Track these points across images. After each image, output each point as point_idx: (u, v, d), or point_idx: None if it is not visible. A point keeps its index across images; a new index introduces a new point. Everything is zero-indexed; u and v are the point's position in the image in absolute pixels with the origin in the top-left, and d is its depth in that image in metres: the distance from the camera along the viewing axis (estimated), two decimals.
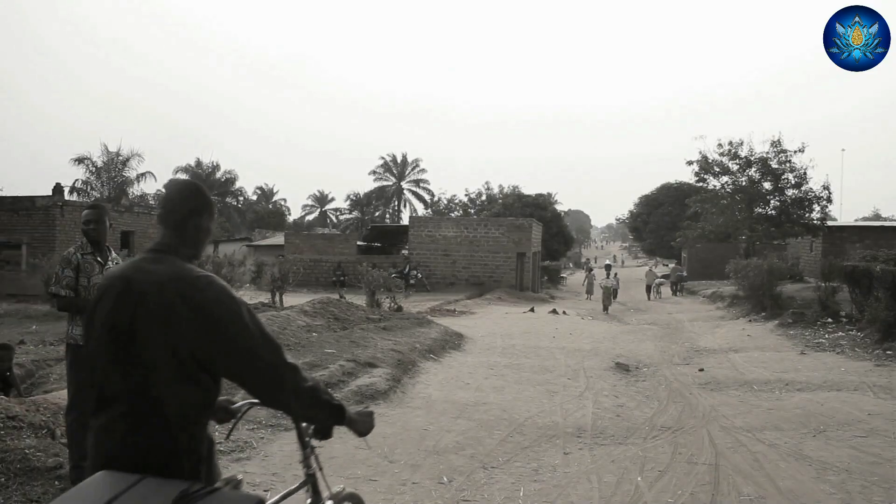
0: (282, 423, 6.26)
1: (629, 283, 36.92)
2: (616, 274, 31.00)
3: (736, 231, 29.81)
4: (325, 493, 2.47)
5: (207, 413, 2.05)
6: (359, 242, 35.51)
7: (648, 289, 31.35)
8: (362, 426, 2.34)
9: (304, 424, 2.41)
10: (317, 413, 2.17)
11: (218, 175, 63.75)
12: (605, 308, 22.60)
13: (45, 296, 18.42)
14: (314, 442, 2.41)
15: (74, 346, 4.45)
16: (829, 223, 28.58)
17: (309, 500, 2.40)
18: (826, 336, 12.94)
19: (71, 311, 4.46)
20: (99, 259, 4.55)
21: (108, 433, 1.97)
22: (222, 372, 2.03)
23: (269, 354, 2.00)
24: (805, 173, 28.01)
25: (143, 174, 49.27)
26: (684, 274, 37.94)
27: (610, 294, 23.88)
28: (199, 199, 2.16)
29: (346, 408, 2.22)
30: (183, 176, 62.39)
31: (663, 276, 36.37)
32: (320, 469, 2.45)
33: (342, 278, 28.74)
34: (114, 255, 4.74)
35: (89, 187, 46.51)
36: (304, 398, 2.08)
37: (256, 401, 2.20)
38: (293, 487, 2.29)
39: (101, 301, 2.06)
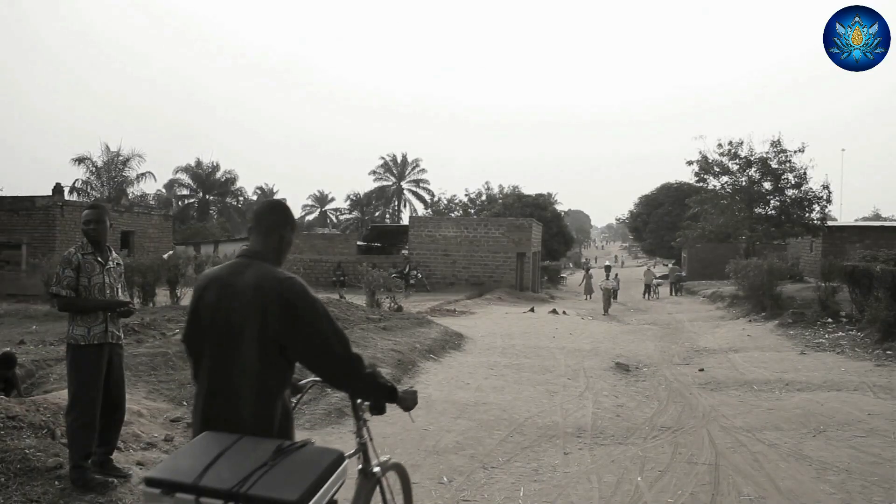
0: None
1: (629, 283, 36.91)
2: (616, 274, 30.98)
3: (736, 231, 29.80)
4: (373, 461, 2.89)
5: (286, 387, 2.52)
6: (359, 242, 35.50)
7: (646, 288, 31.90)
8: (409, 402, 2.79)
9: (358, 401, 2.83)
10: (374, 393, 2.61)
11: (218, 175, 63.75)
12: (606, 309, 22.22)
13: (45, 296, 18.41)
14: (366, 416, 2.85)
15: (75, 347, 4.45)
16: (829, 223, 28.57)
17: (360, 466, 2.80)
18: (826, 336, 12.94)
19: (72, 312, 4.45)
20: (99, 259, 4.54)
21: (211, 402, 2.46)
22: (298, 357, 2.48)
23: (339, 346, 2.48)
24: (805, 173, 28.01)
25: (143, 174, 49.31)
26: (683, 274, 38.08)
27: (610, 295, 23.50)
28: (284, 215, 2.66)
29: (397, 388, 2.67)
30: (183, 175, 62.50)
31: (662, 277, 36.48)
32: (370, 440, 2.88)
33: (342, 278, 28.73)
34: (114, 255, 4.73)
35: (89, 187, 46.49)
36: (364, 382, 2.56)
37: (318, 379, 2.74)
38: (349, 453, 2.57)
39: (202, 297, 2.54)
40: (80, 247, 4.54)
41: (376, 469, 2.86)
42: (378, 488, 2.86)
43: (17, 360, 7.07)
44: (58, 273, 4.46)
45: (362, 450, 2.83)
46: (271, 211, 2.67)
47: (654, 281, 32.85)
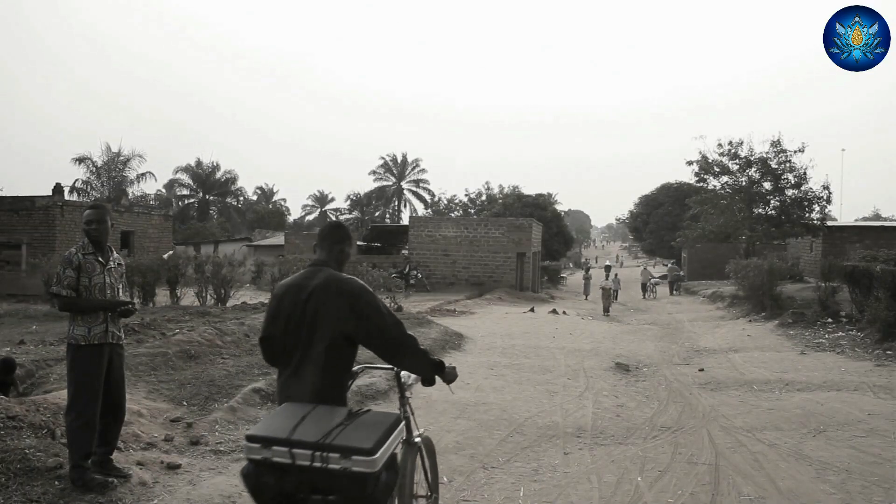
0: None
1: (629, 283, 36.89)
2: (616, 274, 30.98)
3: (736, 231, 29.80)
4: (414, 433, 3.45)
5: (350, 368, 3.20)
6: (359, 242, 35.49)
7: (643, 287, 32.34)
8: (451, 377, 3.39)
9: (402, 380, 3.52)
10: (426, 367, 3.21)
11: (218, 175, 63.78)
12: (606, 310, 22.15)
13: (45, 296, 18.41)
14: (407, 395, 3.51)
15: (75, 346, 4.45)
16: (829, 223, 28.56)
17: (403, 437, 3.26)
18: (826, 336, 12.93)
19: (72, 312, 4.45)
20: (100, 259, 4.55)
21: (292, 380, 3.09)
22: (362, 341, 3.09)
23: (395, 331, 3.07)
24: (805, 173, 28.00)
25: (143, 174, 49.35)
26: (681, 274, 38.21)
27: (610, 296, 23.37)
28: (343, 233, 3.33)
29: (444, 364, 3.28)
30: (183, 175, 62.52)
31: (661, 277, 36.61)
32: (412, 413, 3.46)
33: None
34: (115, 255, 4.74)
35: (89, 187, 46.53)
36: (418, 358, 3.16)
37: (369, 366, 3.87)
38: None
39: (282, 300, 3.15)
40: (80, 247, 4.55)
41: (417, 439, 3.48)
42: (419, 455, 3.51)
43: (17, 365, 7.06)
44: (58, 273, 4.46)
45: (406, 422, 3.32)
46: (333, 230, 3.35)
47: (651, 280, 33.22)
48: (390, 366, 3.39)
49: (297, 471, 2.61)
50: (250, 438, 2.69)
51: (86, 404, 4.39)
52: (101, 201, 39.48)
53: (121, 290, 4.74)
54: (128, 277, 16.64)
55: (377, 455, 2.60)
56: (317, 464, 2.59)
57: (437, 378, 3.30)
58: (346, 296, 3.07)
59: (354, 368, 3.35)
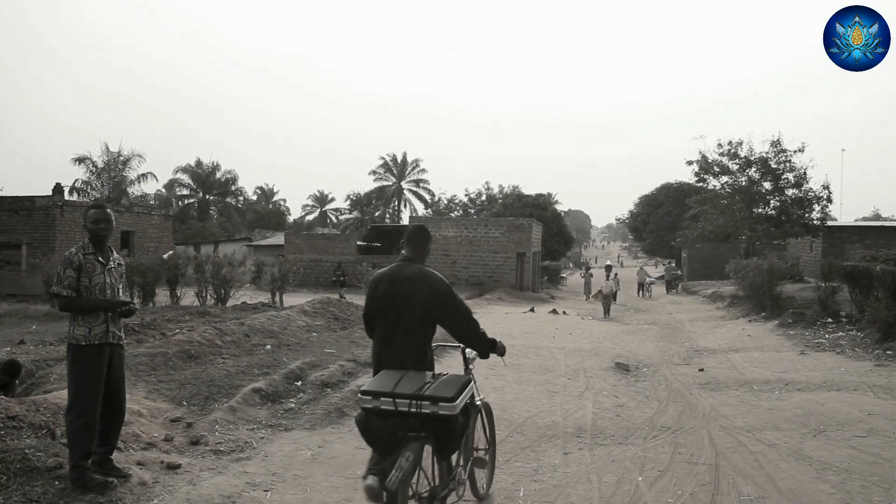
0: (281, 424, 6.26)
1: (629, 283, 36.89)
2: (616, 275, 30.96)
3: (736, 231, 29.79)
4: (476, 398, 4.21)
5: (430, 340, 4.10)
6: (359, 242, 35.49)
7: (640, 286, 32.96)
8: (502, 351, 4.25)
9: (466, 355, 4.42)
10: (484, 345, 4.14)
11: (218, 175, 63.73)
12: (606, 311, 21.44)
13: (45, 296, 18.41)
14: (470, 367, 4.38)
15: (76, 346, 4.45)
16: (829, 223, 28.54)
17: (473, 393, 4.07)
18: (826, 336, 12.93)
19: (72, 312, 4.45)
20: (100, 259, 4.56)
21: (383, 352, 4.01)
22: (439, 322, 4.04)
23: (462, 315, 4.03)
24: (805, 173, 27.98)
25: (143, 174, 49.32)
26: (678, 273, 38.38)
27: (611, 297, 22.65)
28: (425, 235, 4.30)
29: (496, 342, 4.18)
30: (183, 175, 62.49)
31: (658, 278, 36.80)
32: (474, 381, 4.12)
33: (342, 278, 28.72)
34: (115, 255, 4.75)
35: (89, 187, 46.50)
36: (479, 337, 4.10)
37: (442, 344, 4.77)
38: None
39: (378, 286, 4.10)
40: (81, 247, 4.55)
41: (478, 402, 4.31)
42: (479, 415, 4.38)
43: (22, 367, 7.07)
44: (59, 273, 4.47)
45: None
46: (417, 233, 4.29)
47: (647, 279, 33.58)
48: (458, 343, 4.33)
49: (398, 415, 3.57)
50: (363, 392, 3.66)
51: (86, 404, 4.39)
52: (102, 201, 39.49)
53: (121, 291, 4.76)
54: (128, 277, 16.67)
55: (457, 402, 3.57)
56: (413, 409, 3.53)
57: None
58: (426, 287, 4.00)
59: (433, 345, 4.18)
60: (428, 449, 3.69)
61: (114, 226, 4.67)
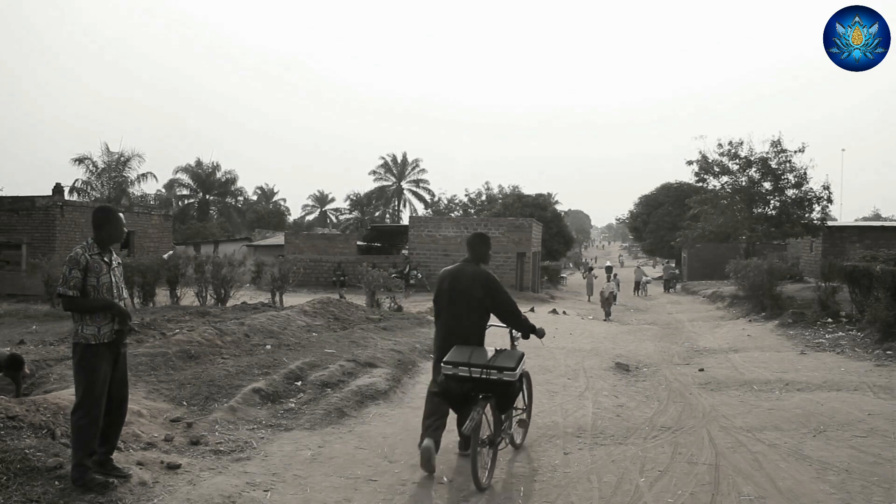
0: (281, 424, 6.26)
1: (629, 283, 36.89)
2: (616, 275, 30.96)
3: (736, 231, 29.80)
4: (519, 369, 4.98)
5: (485, 324, 5.29)
6: (359, 242, 35.49)
7: (636, 285, 33.62)
8: (542, 334, 5.51)
9: (513, 334, 5.64)
10: (524, 328, 5.37)
11: (218, 175, 63.73)
12: (607, 313, 20.94)
13: (45, 296, 18.42)
14: (516, 343, 5.68)
15: (85, 346, 4.44)
16: (829, 223, 28.55)
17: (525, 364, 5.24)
18: (826, 336, 12.92)
19: (77, 312, 4.45)
20: (105, 259, 4.59)
21: (449, 334, 5.17)
22: (492, 310, 5.24)
23: (508, 304, 5.26)
24: (805, 173, 28.01)
25: (143, 174, 49.30)
26: (677, 272, 38.55)
27: (611, 298, 22.00)
28: (482, 240, 5.47)
29: (536, 327, 5.43)
30: (183, 175, 62.49)
31: (657, 278, 36.99)
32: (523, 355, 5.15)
33: (342, 278, 28.73)
34: (115, 255, 4.78)
35: (89, 187, 46.49)
36: (522, 322, 5.32)
37: (494, 324, 5.50)
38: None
39: (444, 280, 5.32)
40: (86, 247, 4.57)
41: (520, 373, 5.06)
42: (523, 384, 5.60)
43: (24, 362, 7.09)
44: (65, 273, 4.48)
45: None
46: (477, 239, 5.50)
47: (644, 279, 33.85)
48: (505, 325, 5.53)
49: (472, 380, 4.75)
50: (445, 363, 4.84)
51: (93, 403, 4.40)
52: (102, 201, 39.49)
53: (124, 290, 4.82)
54: (127, 277, 16.68)
55: (517, 371, 4.81)
56: (484, 376, 4.74)
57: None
58: (484, 282, 5.25)
59: (487, 326, 5.39)
60: (490, 406, 4.86)
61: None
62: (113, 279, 4.61)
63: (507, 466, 5.32)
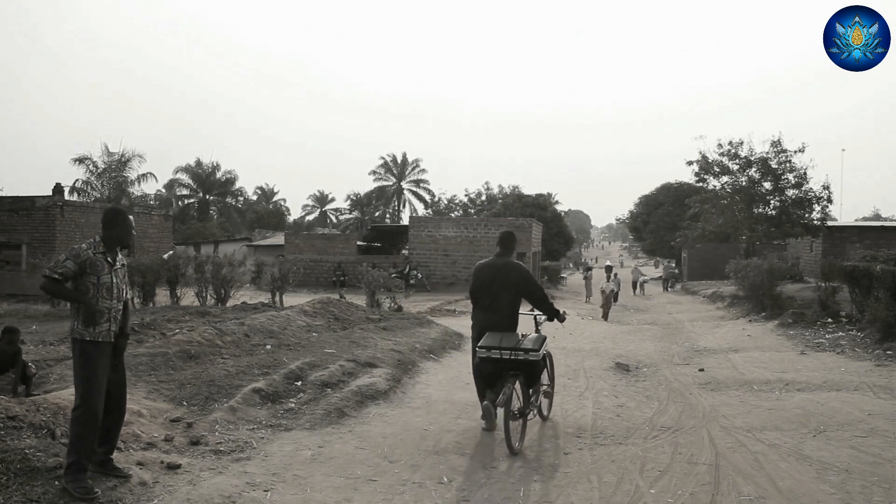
0: (281, 424, 6.26)
1: (627, 283, 36.86)
2: (616, 275, 30.89)
3: (736, 231, 29.79)
4: (542, 350, 5.93)
5: (518, 309, 6.34)
6: (359, 242, 35.49)
7: (634, 285, 34.14)
8: (563, 318, 6.49)
9: (536, 318, 6.66)
10: (551, 312, 6.39)
11: (218, 175, 63.74)
12: (605, 315, 20.56)
13: (46, 296, 18.40)
14: (540, 327, 6.63)
15: (81, 341, 4.43)
16: (829, 223, 28.52)
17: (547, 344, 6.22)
18: (826, 336, 12.92)
19: (51, 294, 4.50)
20: (109, 259, 4.59)
21: (487, 319, 6.20)
22: (525, 297, 6.32)
23: (537, 291, 6.44)
24: (805, 173, 27.98)
25: (144, 175, 49.30)
26: (676, 271, 38.65)
27: (610, 299, 21.66)
28: (513, 237, 6.63)
29: (560, 311, 6.47)
30: (183, 175, 62.50)
31: (657, 279, 37.19)
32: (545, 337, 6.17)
33: (342, 278, 28.72)
34: (119, 256, 4.77)
35: (89, 187, 46.48)
36: (547, 306, 6.41)
37: (524, 313, 6.51)
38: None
39: (481, 273, 6.36)
40: (92, 244, 4.57)
41: (543, 353, 6.03)
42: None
43: (20, 332, 7.15)
44: (59, 259, 4.47)
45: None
46: (508, 237, 6.58)
47: (641, 278, 34.19)
48: (531, 313, 6.69)
49: (502, 361, 5.71)
50: (480, 347, 5.82)
51: (93, 400, 4.37)
52: (103, 201, 39.48)
53: (126, 291, 4.80)
54: (128, 277, 16.69)
55: (540, 352, 5.82)
56: (513, 356, 5.69)
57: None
58: (516, 272, 6.31)
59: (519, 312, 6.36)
60: (519, 382, 5.76)
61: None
62: (114, 280, 4.58)
63: (506, 466, 5.32)
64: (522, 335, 5.96)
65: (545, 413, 6.64)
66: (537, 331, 6.46)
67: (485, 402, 5.74)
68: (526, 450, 5.79)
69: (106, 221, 4.65)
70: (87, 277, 4.46)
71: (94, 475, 4.46)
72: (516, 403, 5.68)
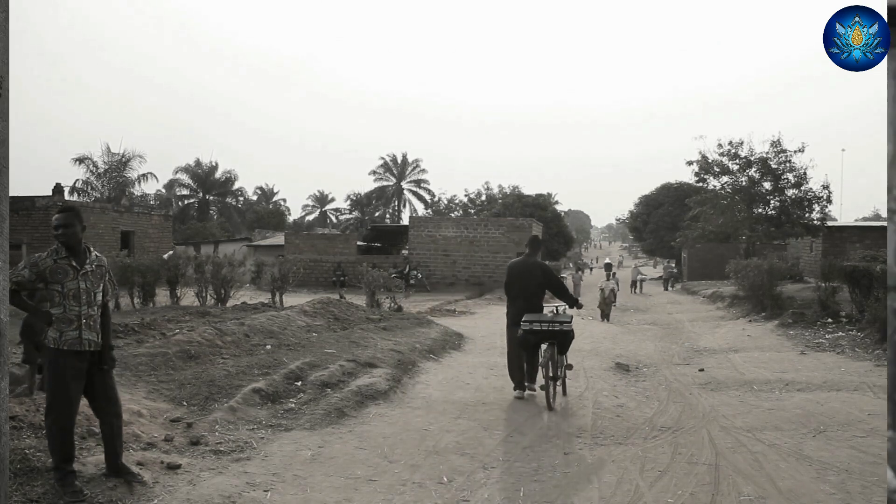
0: (281, 424, 6.26)
1: (627, 283, 36.85)
2: (615, 274, 30.82)
3: (736, 231, 29.78)
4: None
5: (542, 299, 8.25)
6: (359, 242, 35.50)
7: (633, 284, 34.49)
8: (580, 306, 8.59)
9: (557, 305, 8.42)
10: (571, 301, 8.22)
11: (218, 175, 63.79)
12: (605, 316, 19.84)
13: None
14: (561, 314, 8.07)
15: (48, 348, 4.27)
16: (829, 223, 28.52)
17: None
18: (826, 336, 12.92)
19: (14, 305, 3.99)
20: (74, 263, 4.34)
21: (521, 306, 7.96)
22: (547, 288, 8.20)
23: (561, 285, 8.36)
24: (805, 173, 27.95)
25: (144, 175, 49.29)
26: (675, 271, 38.73)
27: (610, 299, 20.58)
28: (538, 240, 8.70)
29: (578, 300, 8.45)
30: (183, 175, 62.54)
31: (657, 278, 37.34)
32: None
33: (342, 278, 28.72)
34: (93, 255, 4.51)
35: (90, 187, 46.49)
36: (567, 297, 8.22)
37: (548, 304, 8.47)
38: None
39: (513, 270, 8.22)
40: (53, 251, 4.34)
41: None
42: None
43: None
44: (17, 266, 4.18)
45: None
46: (535, 240, 8.51)
47: (639, 277, 34.51)
48: (555, 300, 8.33)
49: (542, 332, 7.39)
50: (524, 321, 7.45)
51: (60, 411, 4.23)
52: (103, 201, 39.48)
53: (101, 294, 4.50)
54: (127, 277, 16.68)
55: (571, 324, 7.49)
56: (550, 328, 7.39)
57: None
58: (542, 270, 8.12)
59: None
60: (553, 350, 7.39)
61: (77, 229, 4.38)
62: (83, 285, 4.33)
63: (506, 466, 5.33)
64: (556, 313, 7.97)
65: (565, 389, 8.05)
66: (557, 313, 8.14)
67: (515, 393, 7.84)
68: (526, 450, 5.80)
69: (52, 224, 4.38)
70: (52, 286, 4.27)
71: (95, 475, 4.47)
72: (549, 370, 7.32)
